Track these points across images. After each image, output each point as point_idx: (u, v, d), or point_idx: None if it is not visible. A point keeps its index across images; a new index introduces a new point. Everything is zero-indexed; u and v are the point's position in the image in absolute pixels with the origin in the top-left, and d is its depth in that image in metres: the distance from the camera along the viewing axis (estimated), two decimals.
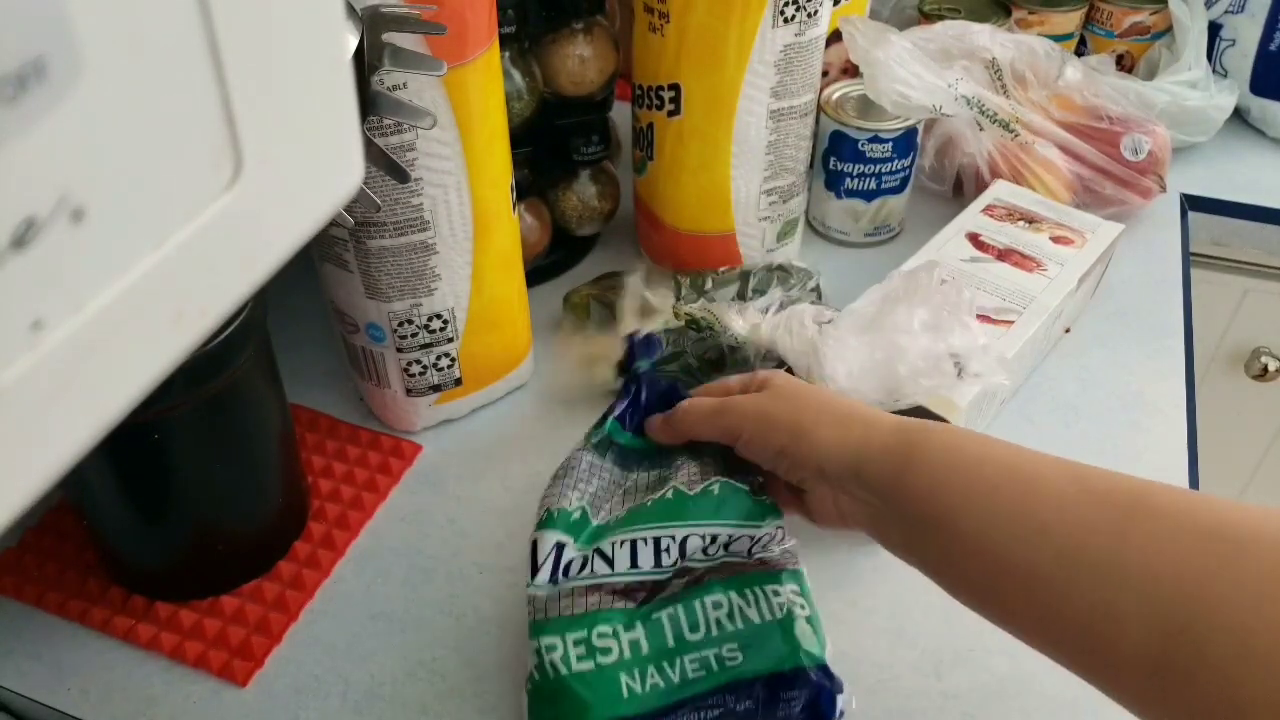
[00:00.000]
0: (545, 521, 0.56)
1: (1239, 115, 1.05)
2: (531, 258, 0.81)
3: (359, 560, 0.66)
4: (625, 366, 0.65)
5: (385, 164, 0.53)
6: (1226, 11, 1.02)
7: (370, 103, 0.50)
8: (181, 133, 0.22)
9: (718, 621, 0.52)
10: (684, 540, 0.55)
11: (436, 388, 0.71)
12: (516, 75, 0.74)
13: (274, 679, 0.59)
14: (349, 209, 0.55)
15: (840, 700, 0.50)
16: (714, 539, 0.55)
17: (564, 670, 0.51)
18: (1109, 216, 0.83)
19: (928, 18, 1.02)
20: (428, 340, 0.68)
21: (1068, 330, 0.81)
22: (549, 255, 0.86)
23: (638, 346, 0.65)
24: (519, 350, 0.75)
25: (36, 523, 0.67)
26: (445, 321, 0.67)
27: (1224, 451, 1.14)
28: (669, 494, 0.56)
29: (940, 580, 0.48)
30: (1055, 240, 0.79)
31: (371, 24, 0.48)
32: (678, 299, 0.75)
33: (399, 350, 0.68)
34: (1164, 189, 0.90)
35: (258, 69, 0.23)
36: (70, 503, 0.66)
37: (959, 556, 0.46)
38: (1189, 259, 0.90)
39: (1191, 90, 0.97)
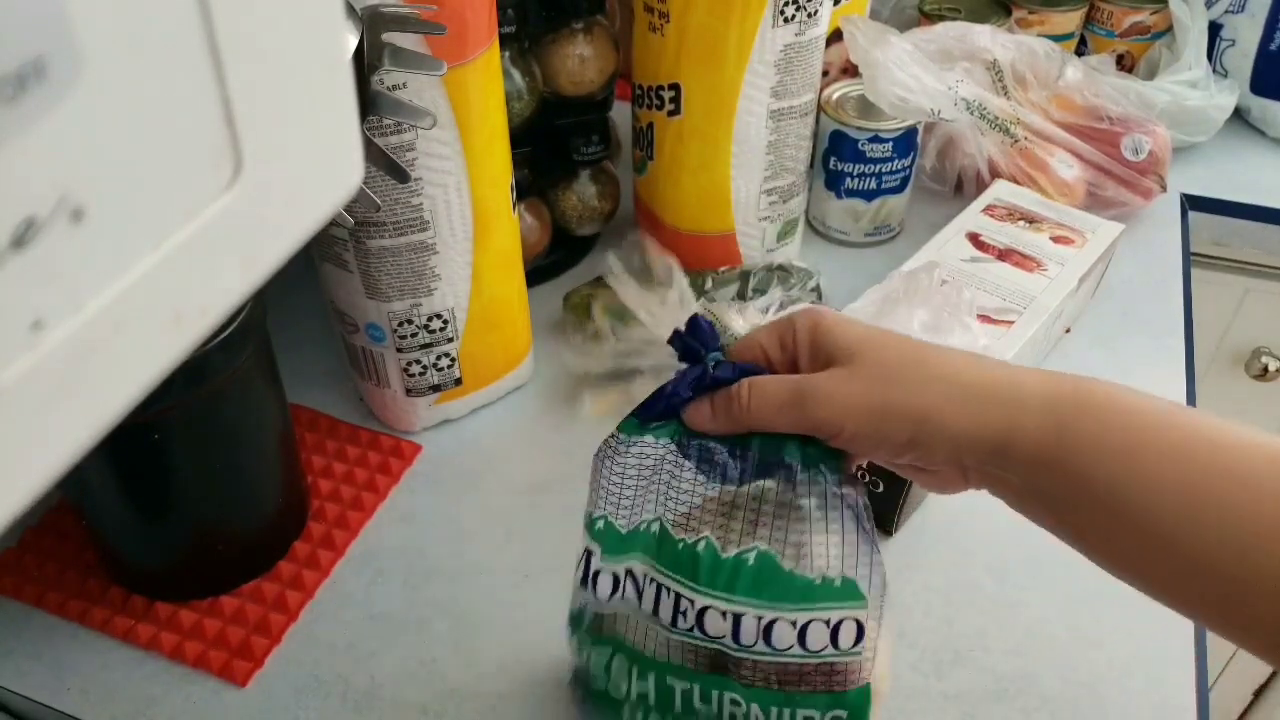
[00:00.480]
0: (586, 524, 0.50)
1: (1239, 115, 1.05)
2: (531, 258, 0.81)
3: (359, 560, 0.66)
4: (687, 353, 0.49)
5: (385, 164, 0.53)
6: (1227, 11, 1.02)
7: (370, 102, 0.50)
8: (181, 133, 0.22)
9: (732, 716, 0.47)
10: (701, 612, 0.46)
11: (436, 388, 0.71)
12: (516, 75, 0.74)
13: (274, 679, 0.59)
14: (349, 209, 0.55)
15: None
16: (737, 621, 0.45)
17: (591, 669, 0.51)
18: (1109, 216, 0.83)
19: (928, 17, 1.02)
20: (427, 340, 0.68)
21: (1068, 330, 0.81)
22: (549, 255, 0.86)
23: (701, 334, 0.48)
24: (519, 350, 0.75)
25: (36, 522, 0.67)
26: (445, 321, 0.67)
27: None
28: (700, 545, 0.46)
29: (1089, 553, 0.43)
30: (1056, 240, 0.79)
31: (371, 24, 0.48)
32: None
33: (399, 350, 0.68)
34: (1164, 189, 0.90)
35: (257, 69, 0.23)
36: (70, 502, 0.66)
37: (1127, 542, 0.40)
38: (1189, 259, 0.90)
39: (1192, 90, 0.97)
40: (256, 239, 0.25)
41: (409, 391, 0.70)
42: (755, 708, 0.46)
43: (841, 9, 0.89)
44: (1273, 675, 1.34)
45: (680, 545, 0.46)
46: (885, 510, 0.65)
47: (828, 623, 0.45)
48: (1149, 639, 0.61)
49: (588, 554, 0.49)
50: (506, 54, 0.72)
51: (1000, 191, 0.85)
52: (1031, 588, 0.63)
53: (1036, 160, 0.87)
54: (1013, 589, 0.63)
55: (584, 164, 0.83)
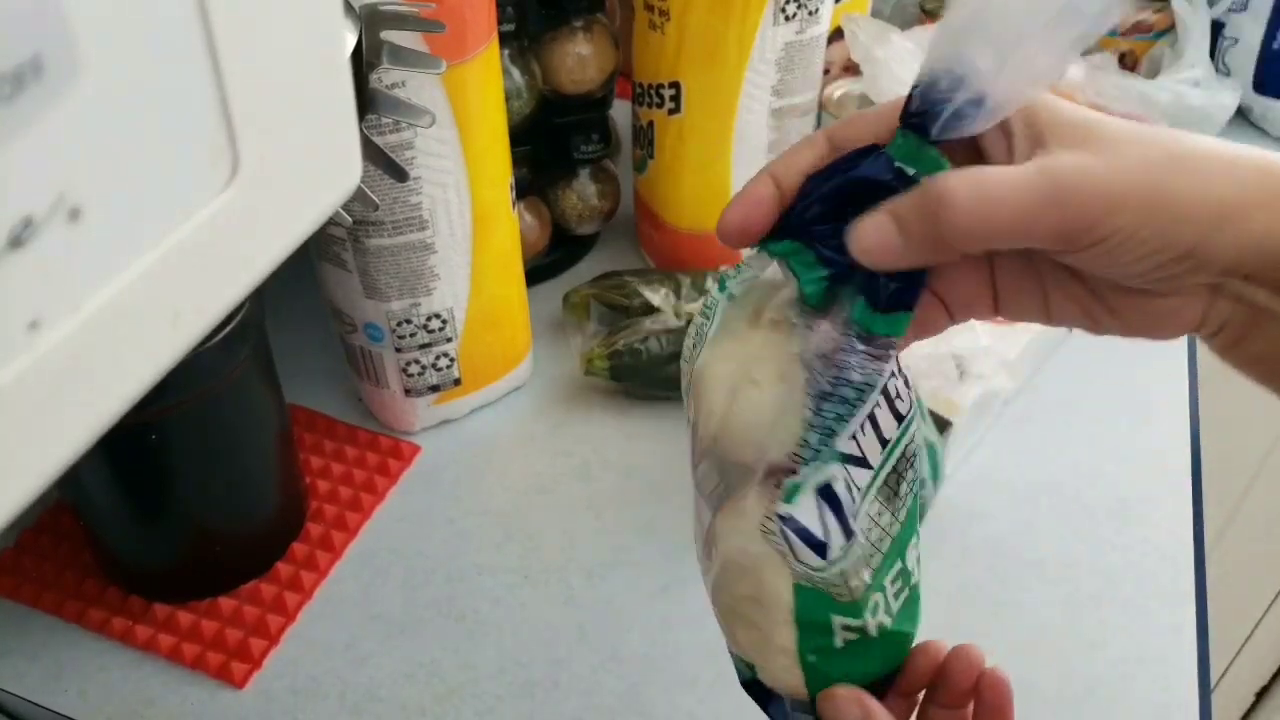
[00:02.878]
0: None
1: (1242, 114, 1.05)
2: (531, 257, 0.81)
3: (357, 561, 0.65)
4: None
5: (384, 163, 0.53)
6: (1229, 10, 1.02)
7: (369, 101, 0.50)
8: (179, 131, 0.22)
9: None
10: None
11: (435, 388, 0.71)
12: (516, 73, 0.74)
13: (272, 680, 0.59)
14: (347, 208, 0.55)
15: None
16: None
17: (887, 622, 0.40)
18: None
19: (930, 15, 1.02)
20: (426, 340, 0.68)
21: (1071, 330, 0.81)
22: (548, 254, 0.86)
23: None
24: (518, 350, 0.75)
25: (33, 523, 0.67)
26: (444, 321, 0.67)
27: (1227, 452, 1.14)
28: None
29: None
30: None
31: (370, 21, 0.48)
32: (678, 299, 0.75)
33: (397, 350, 0.68)
34: None
35: (255, 67, 0.23)
36: (67, 503, 0.65)
37: None
38: None
39: (1194, 89, 0.97)
40: (254, 238, 0.25)
41: (408, 391, 0.70)
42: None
43: (843, 7, 0.89)
44: (1275, 677, 1.34)
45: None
46: None
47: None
48: (1151, 640, 0.61)
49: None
50: (506, 52, 0.72)
51: None
52: (1033, 589, 0.63)
53: None
54: (1014, 590, 0.63)
55: (584, 163, 0.83)
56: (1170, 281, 0.32)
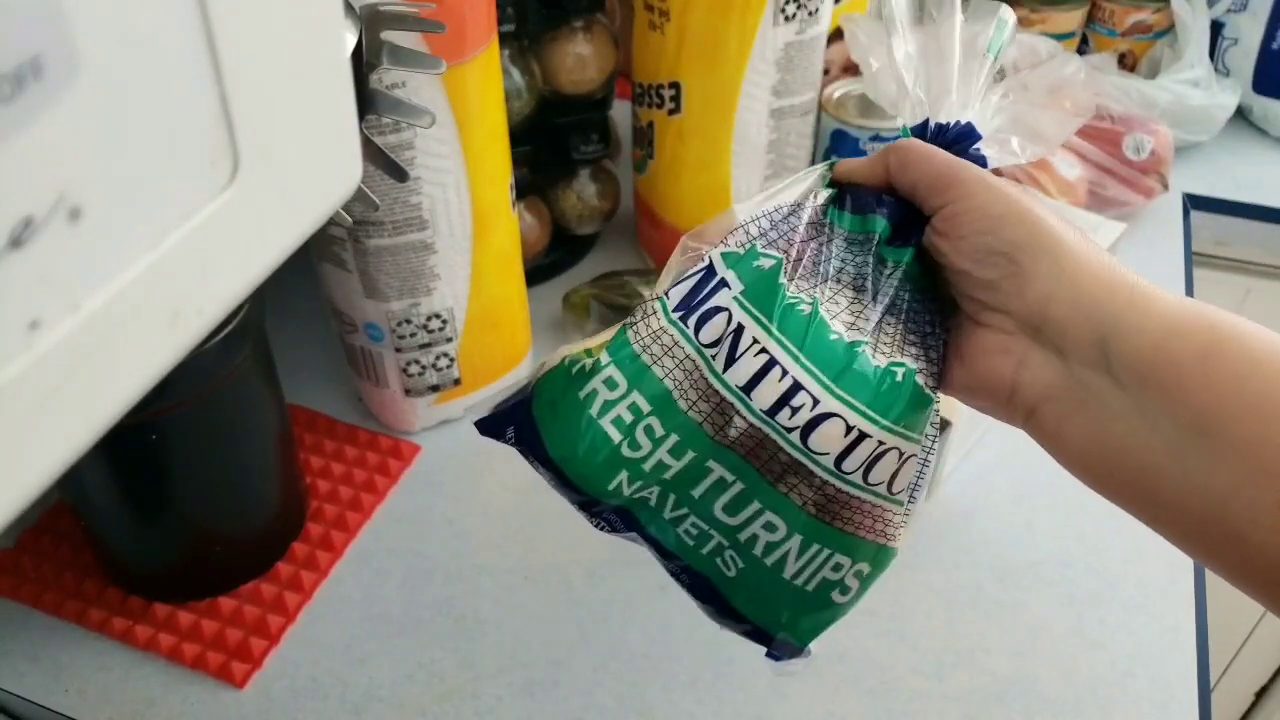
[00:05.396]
0: (728, 257, 0.40)
1: (1241, 114, 1.05)
2: (531, 257, 0.81)
3: (357, 561, 0.65)
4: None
5: (384, 163, 0.53)
6: (1229, 10, 1.02)
7: (369, 101, 0.50)
8: (179, 132, 0.22)
9: (752, 537, 0.40)
10: (821, 418, 0.37)
11: (435, 388, 0.71)
12: (516, 73, 0.74)
13: (272, 680, 0.59)
14: (347, 208, 0.55)
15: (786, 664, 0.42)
16: (859, 441, 0.37)
17: (592, 409, 0.41)
18: (1112, 215, 0.83)
19: None
20: (426, 340, 0.68)
21: None
22: (548, 255, 0.86)
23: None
24: (518, 350, 0.75)
25: (34, 523, 0.67)
26: (444, 321, 0.67)
27: None
28: (817, 317, 0.38)
29: (1173, 510, 0.35)
30: None
31: (370, 22, 0.48)
32: None
33: (397, 350, 0.68)
34: (1166, 188, 0.90)
35: (255, 68, 0.23)
36: (67, 503, 0.65)
37: (1219, 469, 0.33)
38: (1191, 258, 0.90)
39: (1194, 89, 0.97)
40: (254, 238, 0.25)
41: (408, 391, 0.70)
42: (795, 542, 0.39)
43: (843, 7, 0.89)
44: (1274, 676, 1.34)
45: (830, 334, 0.38)
46: None
47: (899, 454, 0.38)
48: (1150, 640, 0.61)
49: (722, 282, 0.39)
50: (506, 52, 0.72)
51: None
52: (1032, 589, 0.63)
53: (1054, 177, 0.87)
54: (1014, 590, 0.63)
55: (584, 163, 0.83)
56: (993, 290, 0.38)
